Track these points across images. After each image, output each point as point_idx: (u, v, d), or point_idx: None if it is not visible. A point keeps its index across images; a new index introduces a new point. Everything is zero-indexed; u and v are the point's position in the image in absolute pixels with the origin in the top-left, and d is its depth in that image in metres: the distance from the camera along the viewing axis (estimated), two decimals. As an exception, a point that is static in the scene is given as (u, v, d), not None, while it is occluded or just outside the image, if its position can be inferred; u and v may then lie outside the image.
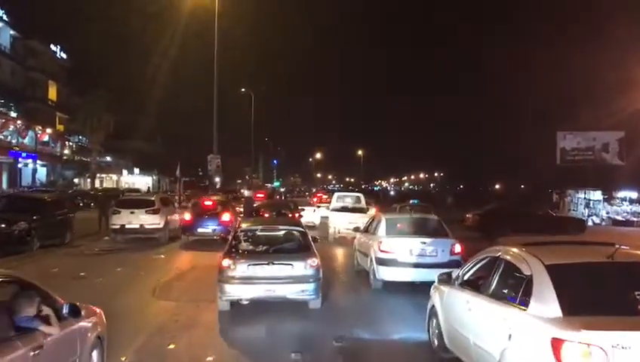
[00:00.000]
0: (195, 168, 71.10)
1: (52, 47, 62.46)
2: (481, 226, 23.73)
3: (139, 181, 72.03)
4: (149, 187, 67.37)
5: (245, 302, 9.57)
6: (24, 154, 47.00)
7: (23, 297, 4.67)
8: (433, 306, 7.50)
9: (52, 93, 63.01)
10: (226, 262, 9.36)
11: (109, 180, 68.28)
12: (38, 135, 50.01)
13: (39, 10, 58.89)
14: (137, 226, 19.81)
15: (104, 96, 50.94)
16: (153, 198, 21.39)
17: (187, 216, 20.46)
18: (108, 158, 68.90)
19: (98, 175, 64.07)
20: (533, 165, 62.61)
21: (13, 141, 46.16)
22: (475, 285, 6.45)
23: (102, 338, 6.00)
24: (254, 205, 26.09)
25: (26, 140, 50.35)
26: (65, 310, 5.07)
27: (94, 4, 65.47)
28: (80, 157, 63.46)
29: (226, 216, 19.97)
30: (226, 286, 9.28)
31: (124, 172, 68.12)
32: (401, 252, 11.46)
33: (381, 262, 11.59)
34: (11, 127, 46.08)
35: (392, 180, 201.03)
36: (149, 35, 53.58)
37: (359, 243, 14.17)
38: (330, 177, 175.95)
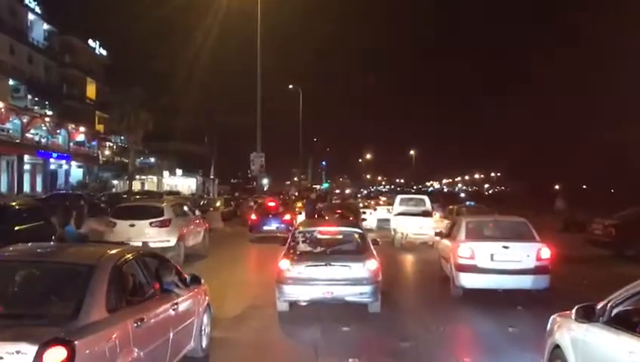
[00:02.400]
0: (244, 170, 67.68)
1: (90, 42, 59.47)
2: (619, 240, 17.15)
3: (182, 183, 68.53)
4: (192, 190, 63.61)
5: (304, 304, 9.69)
6: (55, 155, 43.42)
7: (165, 268, 6.28)
8: (557, 347, 5.62)
9: (91, 91, 60.18)
10: (284, 264, 9.53)
11: (150, 182, 64.82)
12: (71, 134, 46.21)
13: (75, 5, 56.15)
14: (139, 244, 14.80)
15: (139, 93, 46.97)
16: (162, 205, 15.72)
17: (253, 216, 23.10)
18: (151, 159, 66.02)
19: (138, 176, 60.74)
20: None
21: (43, 140, 42.43)
22: None
23: (209, 305, 7.53)
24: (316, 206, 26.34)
25: (59, 140, 46.86)
26: (188, 279, 6.66)
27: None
28: (121, 158, 60.38)
29: (287, 216, 22.84)
30: (284, 287, 9.42)
31: (166, 173, 64.34)
32: (482, 257, 10.89)
33: (460, 268, 11.09)
34: (41, 126, 42.35)
35: (444, 181, 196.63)
36: (193, 34, 50.21)
37: (441, 249, 13.68)
38: (379, 178, 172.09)
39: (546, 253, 10.78)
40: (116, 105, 52.80)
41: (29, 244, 6.46)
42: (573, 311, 5.57)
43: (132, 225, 14.58)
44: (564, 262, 13.70)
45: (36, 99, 48.79)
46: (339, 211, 23.13)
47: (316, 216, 21.94)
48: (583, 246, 18.72)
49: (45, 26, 51.55)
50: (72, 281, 4.96)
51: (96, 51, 61.40)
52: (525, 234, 11.37)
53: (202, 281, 7.17)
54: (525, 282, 10.61)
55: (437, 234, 16.49)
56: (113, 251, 5.61)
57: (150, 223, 14.64)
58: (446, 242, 12.98)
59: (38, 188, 42.44)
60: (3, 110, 37.08)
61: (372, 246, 10.19)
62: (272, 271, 10.18)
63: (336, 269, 9.31)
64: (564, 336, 5.60)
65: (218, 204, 32.51)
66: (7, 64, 43.85)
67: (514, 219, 12.67)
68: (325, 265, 9.37)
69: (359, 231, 10.77)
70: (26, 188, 40.67)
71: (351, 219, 20.41)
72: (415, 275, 15.75)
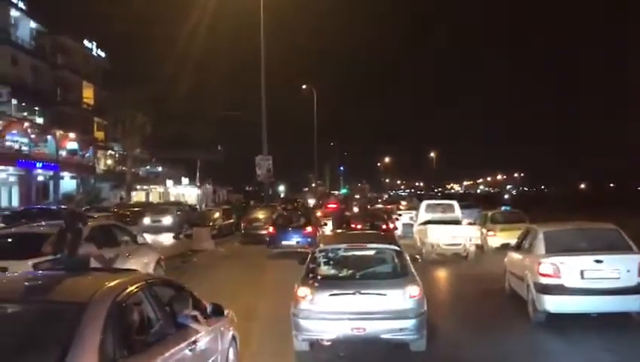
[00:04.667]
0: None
1: (86, 43, 55.21)
2: None
3: (189, 192, 64.14)
4: (194, 201, 59.09)
5: (327, 343, 7.92)
6: (40, 165, 38.76)
7: (180, 298, 5.21)
8: None
9: (88, 96, 55.85)
10: (302, 292, 7.82)
11: (155, 192, 60.48)
12: (60, 141, 41.67)
13: (66, 3, 51.92)
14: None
15: (134, 95, 42.63)
16: (50, 231, 9.49)
17: (270, 229, 20.15)
18: (159, 168, 62.06)
19: (142, 186, 56.49)
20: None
21: (25, 149, 37.85)
22: None
23: (235, 337, 6.45)
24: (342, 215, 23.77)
25: (48, 148, 42.36)
26: (209, 310, 5.70)
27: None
28: (121, 167, 56.20)
29: (309, 228, 19.89)
30: (302, 322, 7.70)
31: (170, 183, 59.89)
32: (569, 275, 9.14)
33: (543, 289, 9.27)
34: (22, 133, 37.79)
35: (464, 183, 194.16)
36: (200, 36, 45.96)
37: (510, 263, 11.69)
38: (398, 182, 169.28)
39: None
40: (111, 109, 48.70)
41: (7, 275, 5.79)
42: None
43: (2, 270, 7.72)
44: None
45: (23, 104, 44.46)
46: (362, 221, 21.05)
47: (344, 227, 19.69)
48: None
49: (32, 24, 47.22)
50: (54, 327, 3.90)
51: (94, 53, 57.28)
52: (619, 245, 9.75)
53: (226, 310, 6.22)
54: (628, 304, 9.05)
55: (503, 246, 15.32)
56: (113, 282, 4.58)
57: (33, 265, 8.43)
58: (515, 256, 11.47)
59: (14, 202, 37.83)
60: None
61: (412, 267, 8.45)
62: (286, 302, 8.24)
63: (368, 299, 7.71)
64: None
65: (216, 215, 27.38)
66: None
67: (602, 226, 11.01)
68: (354, 293, 7.78)
69: (396, 247, 8.82)
70: (4, 202, 36.24)
71: (384, 227, 19.62)
72: (466, 297, 12.52)
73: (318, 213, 28.09)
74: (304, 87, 57.00)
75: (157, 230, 25.38)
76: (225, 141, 65.01)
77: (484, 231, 19.97)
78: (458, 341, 8.78)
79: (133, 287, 4.57)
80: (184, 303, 5.18)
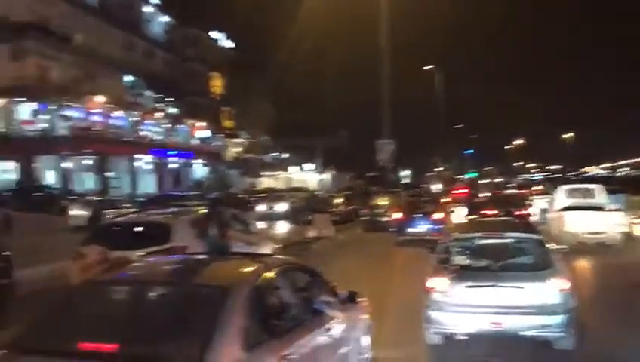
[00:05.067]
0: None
1: (214, 34, 57.23)
2: None
3: (312, 178, 64.68)
4: (315, 186, 59.41)
5: (462, 338, 7.37)
6: (173, 153, 40.65)
7: (316, 285, 5.30)
8: None
9: (217, 86, 57.88)
10: (434, 283, 7.38)
11: (277, 179, 61.78)
12: (192, 130, 43.45)
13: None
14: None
15: (260, 83, 43.41)
16: (170, 222, 8.93)
17: (398, 215, 19.67)
18: (284, 155, 63.32)
19: (268, 173, 57.80)
20: None
21: (159, 138, 39.83)
22: None
23: (368, 325, 6.33)
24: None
25: (181, 137, 44.44)
26: (344, 296, 5.67)
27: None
28: (251, 154, 57.87)
29: (438, 214, 19.35)
30: (434, 314, 7.31)
31: (295, 168, 60.69)
32: None
33: None
34: (157, 122, 39.81)
35: (601, 165, 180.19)
36: (322, 25, 45.95)
37: None
38: (530, 165, 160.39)
39: None
40: (237, 97, 50.06)
41: (156, 259, 5.73)
42: None
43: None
44: None
45: (157, 95, 46.99)
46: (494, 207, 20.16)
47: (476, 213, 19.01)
48: None
49: (163, 19, 49.66)
50: (199, 309, 3.99)
51: (222, 43, 59.30)
52: None
53: (361, 298, 6.10)
54: None
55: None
56: (253, 267, 4.72)
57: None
58: None
59: (151, 188, 40.04)
60: (108, 105, 34.61)
61: (557, 258, 7.75)
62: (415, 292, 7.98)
63: (507, 292, 7.18)
64: None
65: (337, 201, 26.85)
66: (122, 60, 42.11)
67: None
68: (492, 285, 7.27)
69: (536, 236, 8.23)
70: (143, 189, 38.50)
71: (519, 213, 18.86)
72: (612, 289, 11.09)
73: (445, 199, 26.72)
74: (430, 67, 55.12)
75: (272, 217, 25.20)
76: (348, 126, 64.92)
77: (631, 218, 18.09)
78: (606, 338, 7.87)
79: (272, 272, 4.65)
80: (319, 289, 5.28)
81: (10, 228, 19.72)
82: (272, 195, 29.52)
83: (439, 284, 7.47)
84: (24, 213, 22.83)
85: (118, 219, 11.06)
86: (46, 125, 32.97)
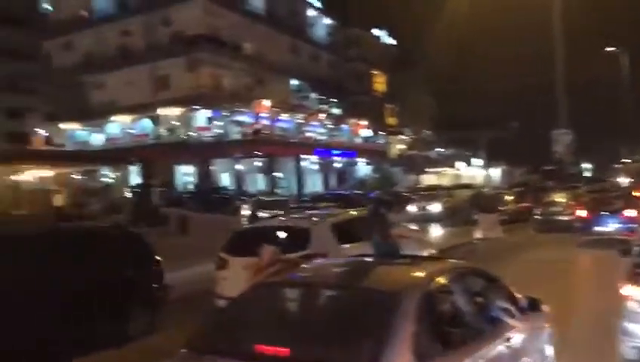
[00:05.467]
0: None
1: (375, 32, 57.28)
2: None
3: (481, 173, 61.88)
4: (482, 181, 56.53)
5: None
6: (337, 152, 41.27)
7: (493, 290, 4.82)
8: None
9: (379, 84, 57.91)
10: (631, 290, 6.26)
11: (445, 174, 59.95)
12: (354, 129, 43.80)
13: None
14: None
15: (419, 75, 42.44)
16: (310, 225, 8.39)
17: (582, 213, 17.67)
18: (446, 150, 61.49)
19: (431, 169, 56.49)
20: None
21: (323, 138, 40.64)
22: None
23: (551, 335, 5.86)
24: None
25: (343, 137, 45.03)
26: (524, 303, 5.17)
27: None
28: (415, 151, 56.96)
29: (631, 211, 16.55)
30: (631, 326, 6.16)
31: (461, 164, 58.53)
32: None
33: None
34: (321, 123, 40.66)
35: None
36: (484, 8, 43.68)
37: None
38: None
39: None
40: (399, 93, 49.51)
41: (326, 261, 5.63)
42: None
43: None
44: None
45: (322, 97, 48.12)
46: None
47: None
48: None
49: (326, 21, 50.68)
50: (370, 315, 3.81)
51: (383, 40, 59.16)
52: None
53: (543, 306, 5.44)
54: None
55: None
56: (425, 271, 4.50)
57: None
58: None
59: (317, 187, 40.97)
60: (276, 109, 35.99)
61: None
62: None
63: None
64: None
65: (507, 199, 25.03)
66: (288, 64, 43.70)
67: None
68: None
69: None
70: (310, 188, 39.70)
71: None
72: None
73: (637, 193, 23.63)
74: (612, 49, 49.69)
75: (425, 219, 23.93)
76: (517, 116, 61.14)
77: None
78: None
79: (445, 277, 4.40)
80: (497, 295, 4.86)
81: (186, 228, 21.29)
82: (425, 195, 28.18)
83: (636, 292, 6.49)
84: (200, 214, 24.57)
85: (258, 224, 11.03)
86: (220, 130, 35.19)
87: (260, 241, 7.10)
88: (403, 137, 59.23)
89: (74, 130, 41.37)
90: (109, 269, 7.50)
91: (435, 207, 26.26)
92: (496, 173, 61.17)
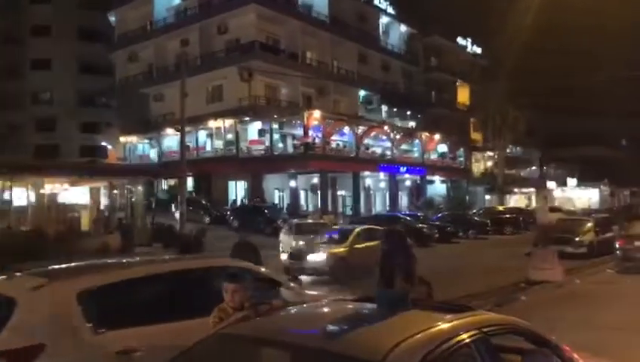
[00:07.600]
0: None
1: (460, 41, 53.01)
2: None
3: (579, 195, 55.40)
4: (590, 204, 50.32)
5: None
6: (403, 169, 37.48)
7: (535, 355, 3.54)
8: None
9: (462, 96, 53.49)
10: None
11: (537, 196, 54.05)
12: (426, 144, 39.89)
13: (438, 4, 50.39)
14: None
15: (506, 90, 38.30)
16: None
17: None
18: (541, 169, 55.82)
19: (519, 189, 51.13)
20: None
21: (387, 153, 37.06)
22: None
23: None
24: None
25: (415, 152, 41.20)
26: None
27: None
28: (504, 169, 51.98)
29: None
30: None
31: (552, 184, 52.58)
32: None
33: None
34: (383, 137, 37.18)
35: None
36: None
37: None
38: None
39: None
40: (482, 106, 44.99)
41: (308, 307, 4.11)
42: None
43: None
44: None
45: (394, 109, 44.57)
46: None
47: None
48: None
49: (402, 29, 47.17)
50: None
51: (468, 50, 54.72)
52: None
53: None
54: None
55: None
56: (432, 328, 3.12)
57: None
58: None
59: (378, 206, 37.45)
60: (338, 121, 32.95)
61: None
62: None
63: None
64: None
65: (586, 227, 20.26)
66: (356, 74, 40.66)
67: None
68: None
69: None
70: (378, 207, 36.49)
71: None
72: None
73: None
74: None
75: None
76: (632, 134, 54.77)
77: None
78: None
79: (460, 338, 3.06)
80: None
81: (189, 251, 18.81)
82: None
83: None
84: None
85: None
86: (273, 144, 32.71)
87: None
88: (490, 153, 54.30)
89: (134, 143, 40.58)
90: None
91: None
92: (594, 193, 54.56)
